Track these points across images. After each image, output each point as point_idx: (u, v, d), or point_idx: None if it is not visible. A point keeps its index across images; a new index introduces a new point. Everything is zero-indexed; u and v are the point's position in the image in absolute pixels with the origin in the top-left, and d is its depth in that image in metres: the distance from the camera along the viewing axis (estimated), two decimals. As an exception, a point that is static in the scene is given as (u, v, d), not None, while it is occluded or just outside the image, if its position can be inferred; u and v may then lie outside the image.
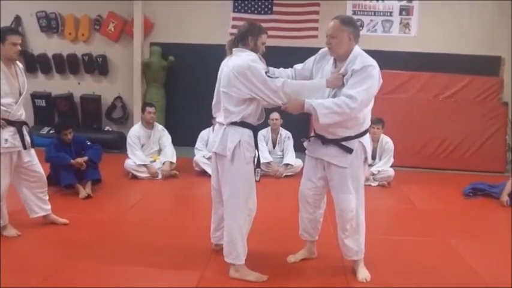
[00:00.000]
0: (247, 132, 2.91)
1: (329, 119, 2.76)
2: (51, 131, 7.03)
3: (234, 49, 2.97)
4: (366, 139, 2.98)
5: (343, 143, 2.88)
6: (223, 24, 7.22)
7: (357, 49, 2.87)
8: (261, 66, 2.86)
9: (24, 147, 3.52)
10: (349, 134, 2.88)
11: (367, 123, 2.97)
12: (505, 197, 5.07)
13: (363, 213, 3.04)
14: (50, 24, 7.70)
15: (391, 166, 5.86)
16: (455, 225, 4.37)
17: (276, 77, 2.84)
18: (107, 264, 3.16)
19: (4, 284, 2.77)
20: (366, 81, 2.75)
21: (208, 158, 5.74)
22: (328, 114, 2.74)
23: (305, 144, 3.15)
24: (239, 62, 2.83)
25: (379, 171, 5.78)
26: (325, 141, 2.95)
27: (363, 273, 3.05)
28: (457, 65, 7.15)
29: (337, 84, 2.86)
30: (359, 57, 2.81)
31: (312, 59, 3.11)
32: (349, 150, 2.88)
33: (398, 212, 4.93)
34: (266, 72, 2.82)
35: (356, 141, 2.89)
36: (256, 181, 3.02)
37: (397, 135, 6.21)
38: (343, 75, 2.83)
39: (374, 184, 5.76)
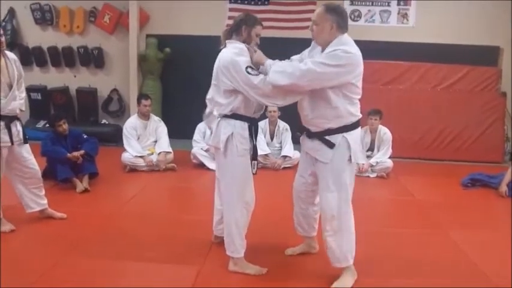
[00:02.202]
0: (240, 124, 2.89)
1: (278, 77, 2.63)
2: (47, 125, 6.98)
3: (226, 40, 2.95)
4: (353, 136, 2.76)
5: (327, 137, 2.75)
6: (219, 16, 7.14)
7: (342, 38, 2.70)
8: (244, 59, 2.80)
9: (12, 143, 3.44)
10: (331, 126, 2.73)
11: (352, 116, 2.74)
12: (503, 188, 5.06)
13: (350, 217, 2.80)
14: (45, 17, 7.61)
15: (389, 157, 5.85)
16: (454, 217, 4.36)
17: (256, 74, 2.75)
18: (105, 259, 3.13)
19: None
20: (329, 58, 2.61)
21: (206, 151, 5.72)
22: (279, 72, 2.64)
23: (300, 138, 3.10)
24: (225, 55, 2.84)
25: (377, 162, 5.77)
26: (310, 134, 2.86)
27: (341, 283, 2.82)
28: (456, 55, 7.12)
29: None
30: (338, 45, 2.66)
31: (307, 49, 3.06)
32: (330, 145, 2.73)
33: (396, 204, 4.92)
34: (247, 67, 2.76)
35: (339, 136, 2.73)
36: (252, 173, 2.99)
37: (396, 126, 6.20)
38: None
39: (372, 175, 5.76)
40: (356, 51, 2.68)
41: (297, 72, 2.62)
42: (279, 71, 2.66)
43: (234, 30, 2.94)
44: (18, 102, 3.50)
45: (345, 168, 2.76)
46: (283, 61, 2.89)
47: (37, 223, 3.75)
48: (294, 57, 3.10)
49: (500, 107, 7.05)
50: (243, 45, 2.89)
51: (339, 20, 2.71)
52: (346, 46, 2.66)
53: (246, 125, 2.90)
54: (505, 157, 7.01)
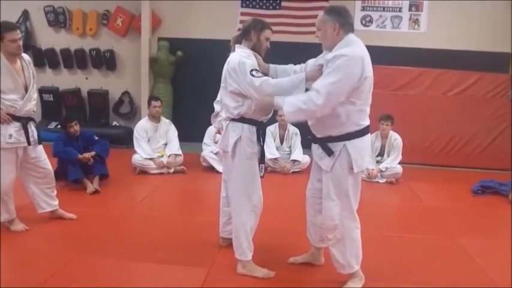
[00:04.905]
0: (248, 128, 2.92)
1: (295, 117, 2.64)
2: (58, 126, 7.05)
3: (236, 45, 3.00)
4: (354, 144, 2.66)
5: (329, 144, 2.69)
6: (231, 20, 7.18)
7: (346, 39, 2.63)
8: (251, 62, 2.84)
9: (29, 143, 3.50)
10: (331, 133, 2.68)
11: (355, 125, 2.66)
12: (514, 195, 5.03)
13: (354, 227, 2.77)
14: (58, 19, 7.71)
15: (399, 163, 5.83)
16: (463, 223, 4.34)
17: (260, 76, 2.78)
18: (114, 260, 3.16)
19: (12, 278, 2.77)
20: (335, 72, 2.52)
21: (216, 153, 5.74)
22: (294, 112, 2.61)
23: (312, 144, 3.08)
24: (233, 58, 2.88)
25: (387, 167, 5.75)
26: (315, 140, 2.81)
27: (349, 286, 2.84)
28: (466, 61, 7.07)
29: (316, 77, 2.71)
30: (341, 47, 2.59)
31: (321, 55, 3.06)
32: (329, 152, 2.68)
33: (406, 209, 4.90)
34: (252, 70, 2.79)
35: (340, 144, 2.66)
36: (260, 177, 3.01)
37: (406, 132, 6.18)
38: (322, 66, 2.69)
39: (382, 181, 5.74)
40: (357, 53, 2.58)
41: (312, 107, 2.55)
42: (292, 111, 2.61)
43: (244, 36, 2.99)
44: (32, 103, 3.56)
45: (346, 177, 2.69)
46: (283, 66, 3.00)
47: (48, 223, 3.79)
48: (310, 61, 3.08)
49: (511, 114, 6.99)
50: (250, 52, 2.94)
51: (340, 19, 2.64)
52: (345, 48, 2.58)
53: (254, 128, 2.93)
54: (516, 164, 6.95)
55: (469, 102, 6.98)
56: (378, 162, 5.86)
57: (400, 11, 7.32)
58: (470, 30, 7.20)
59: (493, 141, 6.94)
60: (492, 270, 3.23)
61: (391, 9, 7.33)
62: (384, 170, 5.74)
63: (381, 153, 5.91)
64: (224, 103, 3.01)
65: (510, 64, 7.24)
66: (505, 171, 6.50)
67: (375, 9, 7.33)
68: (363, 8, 7.31)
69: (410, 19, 7.33)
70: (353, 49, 2.59)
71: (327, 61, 2.59)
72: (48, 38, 7.78)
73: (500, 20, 7.16)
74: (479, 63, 7.07)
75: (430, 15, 7.29)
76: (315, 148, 2.83)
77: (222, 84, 3.02)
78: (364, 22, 7.33)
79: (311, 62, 3.08)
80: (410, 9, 7.31)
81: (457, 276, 3.15)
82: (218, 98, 3.21)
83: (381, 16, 7.35)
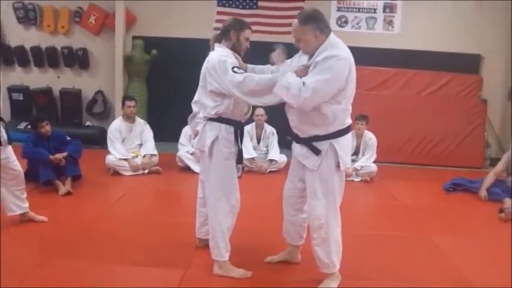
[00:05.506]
0: (226, 128, 2.90)
1: (279, 91, 2.61)
2: (28, 126, 6.86)
3: (215, 44, 2.97)
4: (340, 142, 2.72)
5: (314, 143, 2.71)
6: (207, 19, 7.14)
7: (330, 40, 2.64)
8: (231, 61, 2.82)
9: (0, 143, 3.39)
10: (317, 132, 2.69)
11: (340, 123, 2.70)
12: (483, 192, 5.17)
13: (337, 225, 2.80)
14: (28, 16, 7.49)
15: (374, 162, 5.91)
16: (437, 221, 4.43)
17: (241, 72, 2.77)
18: (87, 263, 3.09)
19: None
20: (325, 72, 2.54)
21: (192, 154, 5.69)
22: (280, 87, 2.59)
23: (292, 143, 3.09)
24: (213, 57, 2.86)
25: (362, 166, 5.83)
26: (299, 140, 2.81)
27: (325, 285, 2.86)
28: (439, 62, 7.24)
29: (299, 76, 2.68)
30: (327, 49, 2.60)
31: (297, 55, 3.06)
32: (316, 151, 2.70)
33: (380, 207, 4.98)
34: (233, 67, 2.77)
35: (327, 142, 2.69)
36: (238, 177, 2.99)
37: (380, 131, 6.26)
38: (308, 67, 2.68)
39: (357, 179, 5.81)
40: (345, 54, 2.62)
41: (298, 97, 2.54)
42: (282, 85, 2.59)
43: (223, 35, 2.97)
44: None
45: (332, 175, 2.73)
46: (260, 67, 3.01)
47: (18, 226, 3.68)
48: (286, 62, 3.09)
49: (481, 114, 7.20)
50: (230, 51, 2.92)
51: (319, 24, 2.64)
52: (332, 49, 2.59)
53: (231, 128, 2.92)
54: (486, 162, 7.15)
55: (442, 102, 7.15)
56: (353, 161, 5.91)
57: (374, 12, 7.43)
58: (443, 32, 7.37)
59: (464, 140, 7.13)
60: (465, 268, 3.30)
61: (366, 10, 7.43)
62: (359, 168, 5.82)
63: (356, 152, 5.98)
64: (202, 103, 2.98)
65: (480, 65, 7.45)
66: (476, 169, 6.69)
67: (350, 10, 7.42)
68: (339, 9, 7.39)
69: (384, 20, 7.45)
70: (341, 50, 2.62)
71: (315, 63, 2.59)
72: (18, 35, 7.54)
73: (471, 22, 7.36)
74: (451, 64, 7.25)
75: (404, 16, 7.43)
76: (298, 148, 2.82)
77: (200, 84, 2.99)
78: (339, 23, 7.41)
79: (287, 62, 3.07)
80: (384, 11, 7.44)
81: (431, 274, 3.20)
82: (196, 99, 3.17)
83: (356, 17, 7.44)
